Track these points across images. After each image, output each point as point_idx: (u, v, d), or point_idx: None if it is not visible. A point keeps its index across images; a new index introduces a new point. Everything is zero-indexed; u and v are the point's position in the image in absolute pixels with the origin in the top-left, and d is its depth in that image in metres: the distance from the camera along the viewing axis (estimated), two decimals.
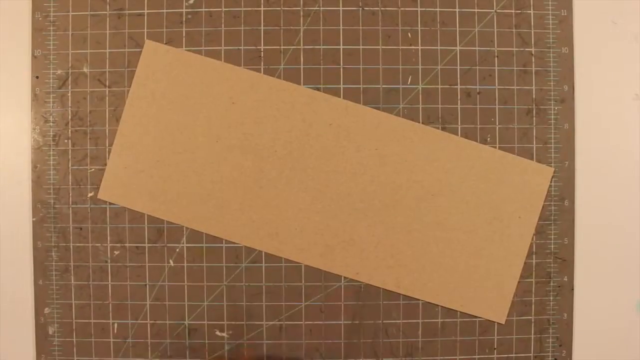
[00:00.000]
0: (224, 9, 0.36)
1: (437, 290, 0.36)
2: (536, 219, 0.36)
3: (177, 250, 0.36)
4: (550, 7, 0.36)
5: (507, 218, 0.36)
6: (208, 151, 0.36)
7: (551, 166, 0.36)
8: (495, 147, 0.36)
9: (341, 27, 0.36)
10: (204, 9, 0.36)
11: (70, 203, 0.36)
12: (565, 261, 0.36)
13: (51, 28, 0.36)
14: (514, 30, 0.36)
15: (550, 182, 0.36)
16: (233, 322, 0.36)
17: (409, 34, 0.36)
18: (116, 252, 0.36)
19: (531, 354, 0.36)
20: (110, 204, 0.36)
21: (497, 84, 0.36)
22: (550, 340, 0.36)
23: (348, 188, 0.36)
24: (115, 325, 0.36)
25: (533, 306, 0.36)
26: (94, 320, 0.36)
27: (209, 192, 0.36)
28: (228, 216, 0.36)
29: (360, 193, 0.36)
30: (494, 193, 0.36)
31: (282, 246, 0.36)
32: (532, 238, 0.36)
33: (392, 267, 0.36)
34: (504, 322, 0.36)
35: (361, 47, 0.36)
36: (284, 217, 0.36)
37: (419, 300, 0.36)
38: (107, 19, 0.36)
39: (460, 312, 0.36)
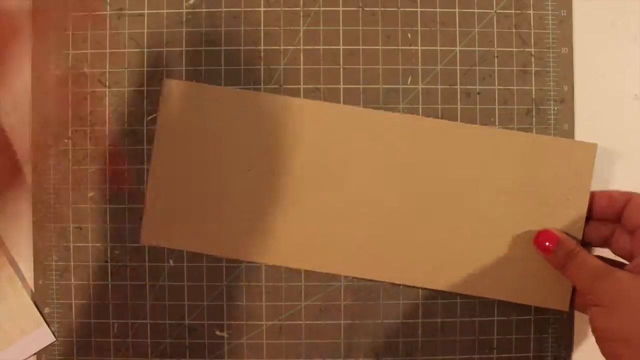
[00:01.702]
0: (224, 9, 0.36)
1: (492, 285, 0.35)
2: (587, 197, 0.34)
3: (177, 250, 0.36)
4: (550, 8, 0.36)
5: (554, 202, 0.35)
6: (241, 181, 0.35)
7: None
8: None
9: (341, 28, 0.36)
10: (204, 9, 0.36)
11: (71, 203, 0.36)
12: None
13: (51, 28, 0.36)
14: (513, 30, 0.36)
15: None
16: (233, 322, 0.36)
17: (409, 35, 0.36)
18: (116, 252, 0.36)
19: (530, 354, 0.36)
20: (110, 203, 0.36)
21: (496, 84, 0.36)
22: (550, 340, 0.36)
23: (388, 195, 0.35)
24: (115, 325, 0.36)
25: (533, 306, 0.36)
26: (94, 320, 0.36)
27: (248, 220, 0.36)
28: (270, 241, 0.36)
29: (400, 198, 0.35)
30: (535, 178, 0.35)
31: (329, 262, 0.36)
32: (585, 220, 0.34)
33: (442, 268, 0.35)
34: (567, 310, 0.35)
35: (361, 47, 0.36)
36: (327, 233, 0.35)
37: (418, 300, 0.36)
38: (107, 19, 0.36)
39: (522, 304, 0.35)
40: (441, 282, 0.36)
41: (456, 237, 0.35)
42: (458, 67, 0.36)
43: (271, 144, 0.36)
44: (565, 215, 0.35)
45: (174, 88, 0.36)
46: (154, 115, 0.36)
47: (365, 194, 0.35)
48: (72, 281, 0.36)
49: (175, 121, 0.36)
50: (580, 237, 0.35)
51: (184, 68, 0.36)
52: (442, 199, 0.35)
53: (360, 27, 0.36)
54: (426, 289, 0.36)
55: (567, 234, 0.34)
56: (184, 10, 0.36)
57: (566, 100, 0.36)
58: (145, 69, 0.36)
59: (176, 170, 0.36)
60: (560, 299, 0.35)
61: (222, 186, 0.36)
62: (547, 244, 0.33)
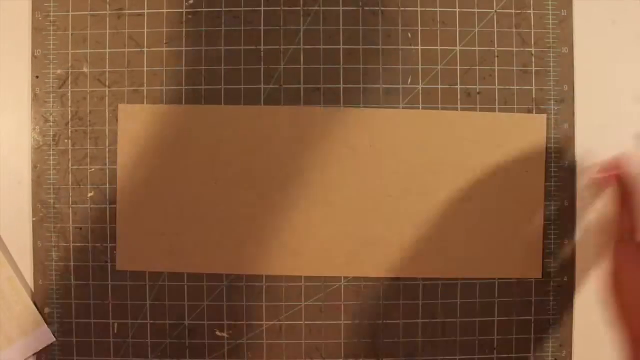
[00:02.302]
0: (224, 9, 0.36)
1: (469, 265, 0.36)
2: (543, 168, 0.36)
3: None
4: (550, 7, 0.36)
5: (516, 175, 0.36)
6: (209, 195, 0.36)
7: (551, 165, 0.36)
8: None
9: (341, 27, 0.36)
10: (203, 9, 0.36)
11: (70, 203, 0.36)
12: (565, 261, 0.36)
13: (51, 28, 0.36)
14: (514, 30, 0.36)
15: (550, 181, 0.36)
16: (233, 322, 0.36)
17: (409, 34, 0.36)
18: (116, 252, 0.36)
19: (531, 354, 0.36)
20: (110, 203, 0.36)
21: (497, 84, 0.36)
22: (550, 340, 0.36)
23: (353, 191, 0.36)
24: (115, 325, 0.36)
25: (533, 306, 0.36)
26: (94, 320, 0.36)
27: (222, 233, 0.36)
28: (248, 251, 0.36)
29: (369, 193, 0.36)
30: (496, 155, 0.36)
31: (310, 266, 0.36)
32: (544, 188, 0.36)
33: (421, 256, 0.36)
34: (541, 277, 0.36)
35: (361, 46, 0.36)
36: (303, 237, 0.36)
37: (418, 301, 0.36)
38: (107, 18, 0.36)
39: (499, 278, 0.36)
40: (421, 269, 0.36)
41: (429, 225, 0.36)
42: (458, 67, 0.36)
43: (237, 155, 0.36)
44: (526, 186, 0.36)
45: (128, 112, 0.36)
46: None
47: (334, 194, 0.36)
48: (72, 281, 0.36)
49: (135, 146, 0.36)
50: (541, 206, 0.36)
51: (183, 68, 0.36)
52: (408, 188, 0.36)
53: (360, 27, 0.36)
54: (408, 277, 0.36)
55: (529, 204, 0.35)
56: (184, 10, 0.36)
57: (566, 100, 0.36)
58: (145, 68, 0.36)
59: (143, 192, 0.36)
60: (532, 268, 0.36)
61: (191, 202, 0.36)
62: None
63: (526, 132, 0.36)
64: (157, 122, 0.36)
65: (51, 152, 0.36)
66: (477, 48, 0.36)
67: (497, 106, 0.36)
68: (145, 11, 0.36)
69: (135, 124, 0.36)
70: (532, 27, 0.36)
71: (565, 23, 0.36)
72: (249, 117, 0.36)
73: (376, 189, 0.36)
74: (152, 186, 0.36)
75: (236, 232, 0.36)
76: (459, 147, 0.36)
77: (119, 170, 0.36)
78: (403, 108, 0.36)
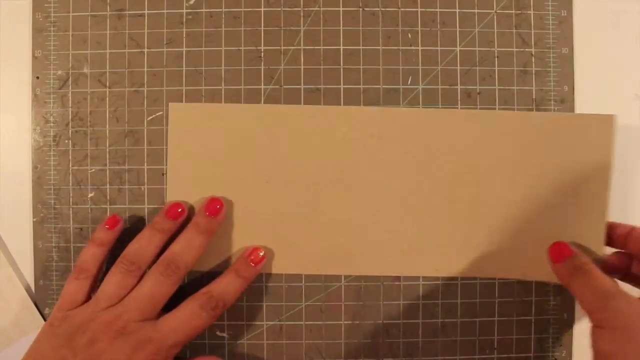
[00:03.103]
0: (224, 10, 0.36)
1: (523, 267, 0.35)
2: (608, 172, 0.34)
3: None
4: (550, 8, 0.36)
5: (578, 179, 0.34)
6: (261, 194, 0.35)
7: None
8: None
9: (341, 28, 0.36)
10: (204, 10, 0.36)
11: (71, 203, 0.36)
12: None
13: (51, 28, 0.36)
14: (514, 30, 0.36)
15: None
16: (233, 322, 0.36)
17: (409, 35, 0.36)
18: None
19: (531, 354, 0.36)
20: (110, 204, 0.36)
21: (497, 85, 0.36)
22: (551, 340, 0.36)
23: (407, 191, 0.35)
24: None
25: (533, 306, 0.36)
26: None
27: (274, 233, 0.35)
28: (300, 250, 0.36)
29: (421, 192, 0.35)
30: (556, 157, 0.34)
31: (361, 265, 0.36)
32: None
33: (472, 255, 0.35)
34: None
35: (361, 47, 0.36)
36: (354, 236, 0.35)
37: (419, 301, 0.36)
38: (108, 19, 0.36)
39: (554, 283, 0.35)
40: (469, 269, 0.36)
41: (482, 225, 0.35)
42: (458, 67, 0.36)
43: (287, 154, 0.35)
44: (589, 191, 0.34)
45: (179, 110, 0.36)
46: (153, 116, 0.36)
47: (385, 193, 0.35)
48: None
49: (186, 144, 0.35)
50: (605, 214, 0.34)
51: (184, 69, 0.36)
52: (461, 188, 0.35)
53: (361, 27, 0.36)
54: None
55: (589, 214, 0.34)
56: (184, 11, 0.36)
57: (566, 100, 0.36)
58: (145, 69, 0.36)
59: (193, 192, 0.35)
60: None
61: (242, 202, 0.35)
62: (560, 253, 0.33)
63: (591, 132, 0.34)
64: (209, 120, 0.35)
65: (52, 153, 0.36)
66: (477, 48, 0.36)
67: (497, 107, 0.36)
68: (146, 12, 0.36)
69: (185, 123, 0.35)
70: (532, 27, 0.36)
71: (565, 24, 0.37)
72: (300, 117, 0.35)
73: (428, 190, 0.35)
74: (203, 187, 0.35)
75: (288, 232, 0.35)
76: (515, 148, 0.35)
77: (169, 169, 0.36)
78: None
